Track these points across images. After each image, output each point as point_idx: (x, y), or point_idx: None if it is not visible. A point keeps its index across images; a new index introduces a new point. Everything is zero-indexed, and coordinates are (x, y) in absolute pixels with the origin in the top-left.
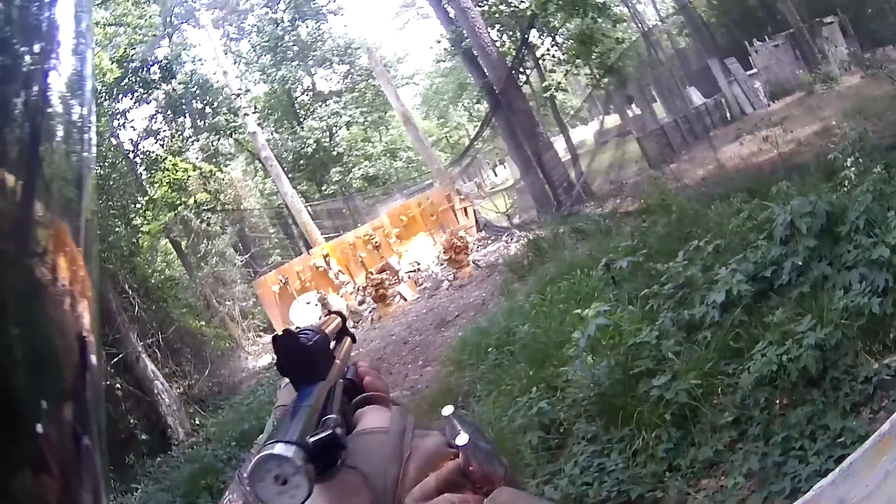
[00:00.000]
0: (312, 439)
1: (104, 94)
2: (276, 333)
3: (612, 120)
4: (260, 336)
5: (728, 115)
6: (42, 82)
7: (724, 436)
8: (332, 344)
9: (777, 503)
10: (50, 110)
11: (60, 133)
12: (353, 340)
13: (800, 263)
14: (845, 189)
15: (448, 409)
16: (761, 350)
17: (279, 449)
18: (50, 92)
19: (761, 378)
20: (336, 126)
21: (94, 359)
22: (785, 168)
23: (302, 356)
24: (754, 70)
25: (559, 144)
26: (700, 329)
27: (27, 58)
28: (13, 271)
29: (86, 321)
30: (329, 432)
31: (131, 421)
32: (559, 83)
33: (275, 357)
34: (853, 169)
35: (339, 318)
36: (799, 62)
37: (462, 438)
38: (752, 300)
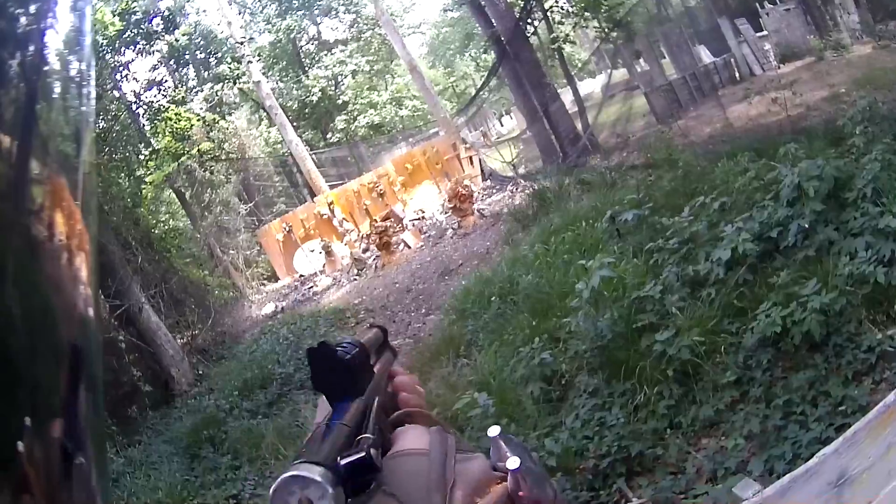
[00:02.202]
0: (344, 461)
1: (106, 47)
2: (310, 346)
3: (620, 74)
4: (264, 285)
5: (737, 74)
6: (39, 42)
7: (725, 395)
8: (373, 359)
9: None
10: (47, 68)
11: (58, 90)
12: (395, 355)
13: (806, 226)
14: (853, 156)
15: (494, 430)
16: (765, 310)
17: (305, 470)
18: (47, 50)
19: (764, 339)
20: (342, 75)
21: (91, 312)
22: (793, 131)
23: (337, 370)
24: (764, 32)
25: (566, 96)
26: (704, 286)
27: (23, 19)
28: (10, 231)
29: (83, 275)
30: (362, 454)
31: (135, 373)
32: (567, 35)
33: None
34: (861, 137)
35: (380, 331)
36: (810, 27)
37: (513, 462)
38: (756, 260)
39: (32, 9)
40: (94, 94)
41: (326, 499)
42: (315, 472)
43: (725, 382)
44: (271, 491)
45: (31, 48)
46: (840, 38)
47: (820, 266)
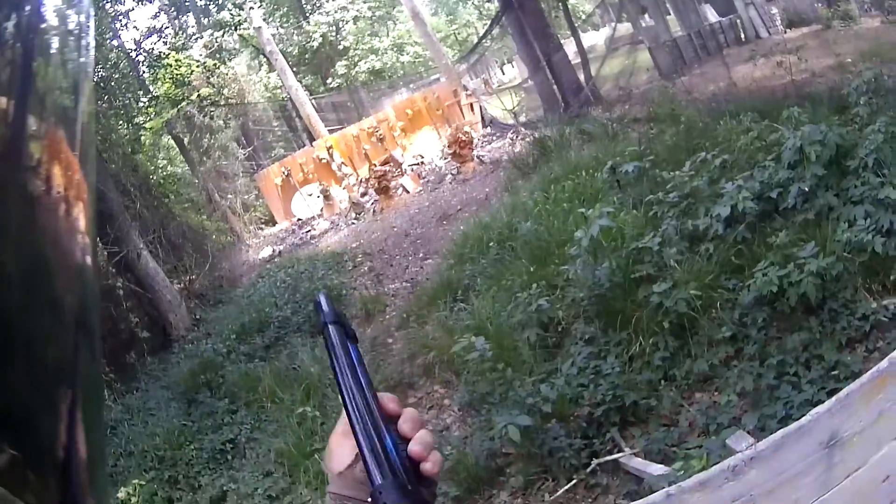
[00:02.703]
0: None
1: None
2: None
3: (625, 28)
4: (261, 229)
5: (742, 36)
6: (36, 0)
7: (720, 351)
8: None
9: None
10: (44, 25)
11: (56, 45)
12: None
13: (806, 189)
14: (856, 126)
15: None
16: (762, 269)
17: None
18: (44, 8)
19: (760, 297)
20: (343, 21)
21: (89, 260)
22: (797, 95)
23: None
24: None
25: (569, 48)
26: (703, 241)
27: None
28: (7, 186)
29: (81, 224)
30: None
31: (132, 320)
32: None
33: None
34: (866, 108)
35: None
36: None
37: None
38: (756, 219)
39: None
40: (92, 45)
41: None
42: None
43: (721, 338)
44: None
45: (28, 7)
46: (849, 8)
47: (819, 230)
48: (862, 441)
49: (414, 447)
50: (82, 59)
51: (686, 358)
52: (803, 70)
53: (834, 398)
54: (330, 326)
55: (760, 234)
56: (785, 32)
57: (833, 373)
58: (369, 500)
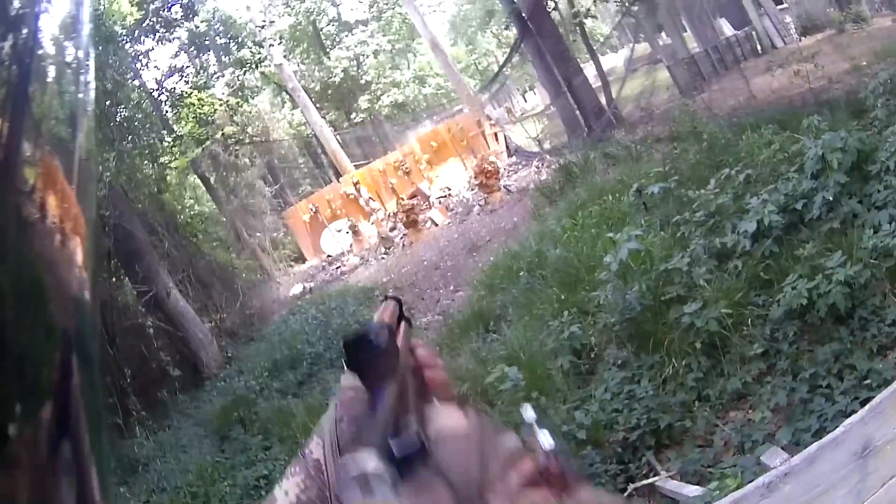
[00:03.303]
0: (399, 449)
1: (125, 36)
2: (345, 338)
3: (643, 48)
4: (291, 266)
5: (759, 47)
6: (33, 25)
7: (752, 368)
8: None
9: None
10: (41, 52)
11: (52, 74)
12: (410, 325)
13: (830, 198)
14: (875, 129)
15: (530, 414)
16: (791, 283)
17: (368, 465)
18: (41, 34)
19: (790, 311)
20: (363, 55)
21: (87, 294)
22: (815, 103)
23: (373, 357)
24: (785, 5)
25: (589, 71)
26: (731, 258)
27: (16, 2)
28: (1, 209)
29: (78, 257)
30: (417, 444)
31: (164, 358)
32: (588, 10)
33: (345, 357)
34: (883, 109)
35: (395, 303)
36: (830, 0)
37: (548, 441)
38: (782, 231)
39: None
40: (92, 84)
41: (385, 483)
42: (372, 457)
43: (752, 355)
44: (337, 477)
45: (25, 30)
46: (860, 10)
47: (844, 238)
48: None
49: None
50: (80, 95)
51: (719, 377)
52: (820, 77)
53: (867, 407)
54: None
55: (788, 247)
56: (800, 40)
57: (866, 381)
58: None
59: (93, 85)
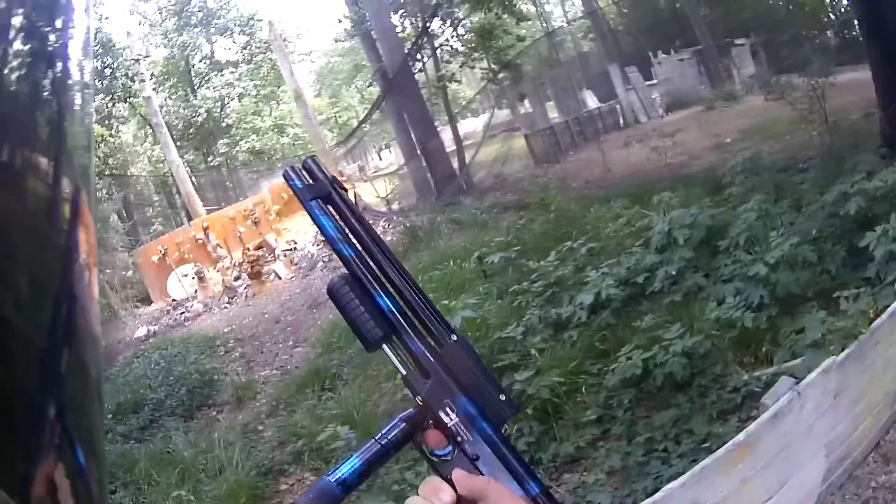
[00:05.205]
0: None
1: None
2: None
3: (504, 115)
4: (137, 307)
5: (622, 121)
6: (63, 56)
7: (586, 433)
8: None
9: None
10: (70, 81)
11: (78, 100)
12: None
13: (674, 273)
14: (731, 205)
15: None
16: (627, 353)
17: None
18: (70, 62)
19: (626, 380)
20: (229, 97)
21: (100, 329)
22: (672, 179)
23: None
24: (655, 81)
25: (447, 134)
26: (567, 328)
27: (52, 36)
28: (46, 249)
29: (96, 290)
30: None
31: None
32: (454, 74)
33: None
34: (741, 186)
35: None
36: (702, 78)
37: None
38: (621, 304)
39: (59, 23)
40: (94, 89)
41: None
42: None
43: (586, 421)
44: None
45: (59, 65)
46: (732, 89)
47: (686, 311)
48: None
49: None
50: (92, 110)
51: (552, 441)
52: (680, 153)
53: (689, 472)
54: (336, 187)
55: (626, 319)
56: (664, 116)
57: (705, 444)
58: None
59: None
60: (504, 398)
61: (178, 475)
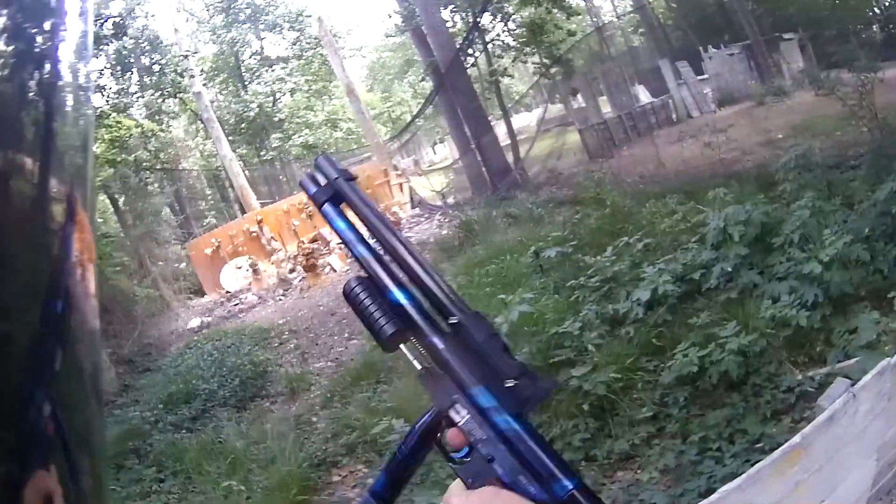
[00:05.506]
0: None
1: None
2: None
3: (556, 109)
4: (190, 298)
5: (674, 116)
6: (53, 57)
7: (641, 430)
8: None
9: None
10: (61, 83)
11: (70, 102)
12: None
13: (729, 269)
14: (784, 202)
15: None
16: (683, 350)
17: None
18: (60, 64)
19: (682, 378)
20: (280, 92)
21: (97, 323)
22: (725, 175)
23: None
24: (705, 76)
25: (500, 129)
26: (623, 324)
27: (39, 38)
28: (34, 252)
29: (92, 287)
30: None
31: None
32: (506, 69)
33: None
34: (793, 183)
35: None
36: (752, 73)
37: None
38: (677, 300)
39: (47, 25)
40: (93, 93)
41: None
42: None
43: (641, 418)
44: None
45: (48, 66)
46: (782, 84)
47: (742, 309)
48: None
49: None
50: (89, 112)
51: (607, 438)
52: (733, 148)
53: (745, 474)
54: (346, 183)
55: (682, 316)
56: (716, 111)
57: (758, 445)
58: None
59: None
60: (517, 382)
61: (228, 465)
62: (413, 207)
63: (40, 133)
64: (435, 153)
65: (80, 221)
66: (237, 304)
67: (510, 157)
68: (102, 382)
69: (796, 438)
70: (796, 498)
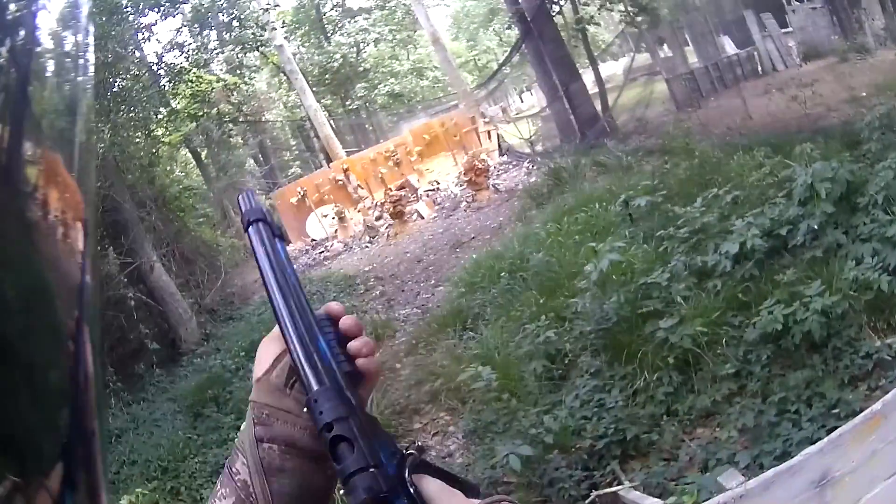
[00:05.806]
0: None
1: (130, 8)
2: None
3: (643, 58)
4: None
5: (759, 68)
6: (31, 25)
7: (723, 387)
8: None
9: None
10: (39, 49)
11: (52, 68)
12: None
13: (815, 227)
14: (868, 161)
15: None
16: (768, 307)
17: None
18: (39, 32)
19: (765, 335)
20: (364, 42)
21: (89, 278)
22: (811, 130)
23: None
24: (789, 29)
25: (587, 77)
26: (711, 277)
27: (12, 6)
28: (5, 215)
29: (79, 244)
30: None
31: (143, 331)
32: (592, 17)
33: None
34: (878, 143)
35: None
36: (835, 28)
37: None
38: (764, 256)
39: None
40: (92, 60)
41: None
42: None
43: (724, 374)
44: None
45: (22, 32)
46: (865, 41)
47: (826, 268)
48: (854, 480)
49: (354, 343)
50: (80, 78)
51: (689, 393)
52: (818, 104)
53: (826, 438)
54: (253, 225)
55: (768, 272)
56: (801, 66)
57: (834, 411)
58: (304, 408)
59: (93, 63)
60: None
61: None
62: (501, 155)
63: (11, 98)
64: (522, 101)
65: (62, 182)
66: (322, 252)
67: (598, 106)
68: (98, 334)
69: (877, 406)
70: (871, 467)
